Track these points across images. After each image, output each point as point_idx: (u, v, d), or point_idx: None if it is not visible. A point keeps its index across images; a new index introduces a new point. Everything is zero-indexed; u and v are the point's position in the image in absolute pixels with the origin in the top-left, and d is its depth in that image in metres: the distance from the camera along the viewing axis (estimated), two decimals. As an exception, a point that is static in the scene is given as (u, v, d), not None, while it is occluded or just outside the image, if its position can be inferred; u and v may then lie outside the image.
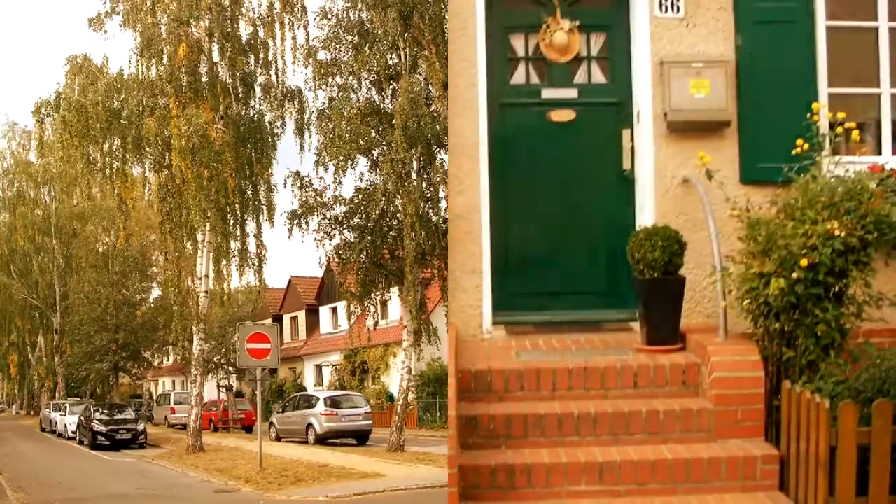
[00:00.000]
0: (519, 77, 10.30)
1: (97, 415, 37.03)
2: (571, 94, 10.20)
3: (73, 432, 39.82)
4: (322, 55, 26.65)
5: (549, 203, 10.16)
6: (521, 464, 7.90)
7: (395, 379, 36.05)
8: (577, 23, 10.13)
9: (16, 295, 48.86)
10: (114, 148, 27.00)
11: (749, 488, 7.89)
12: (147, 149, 26.27)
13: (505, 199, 10.09)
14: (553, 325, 10.05)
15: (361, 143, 26.24)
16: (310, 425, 33.90)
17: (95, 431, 35.74)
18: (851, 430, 7.26)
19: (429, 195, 26.40)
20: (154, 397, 63.58)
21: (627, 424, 8.27)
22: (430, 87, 25.27)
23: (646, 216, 9.88)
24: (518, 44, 10.31)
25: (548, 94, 10.21)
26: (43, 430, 47.43)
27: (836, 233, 8.09)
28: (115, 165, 27.32)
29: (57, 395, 51.65)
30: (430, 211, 26.46)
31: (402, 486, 19.31)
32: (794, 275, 8.11)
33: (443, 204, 26.35)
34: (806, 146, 8.69)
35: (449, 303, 10.01)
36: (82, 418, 38.41)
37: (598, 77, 10.30)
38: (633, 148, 10.14)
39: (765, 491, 7.87)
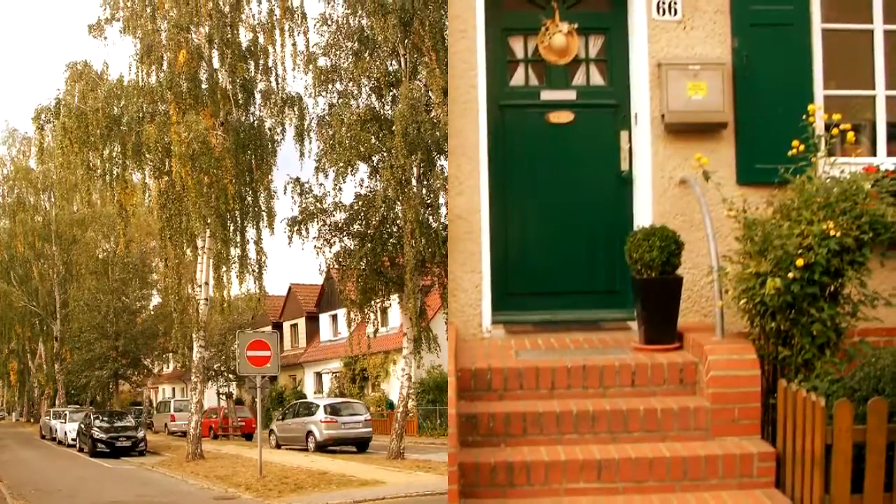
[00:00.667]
0: (518, 79, 10.40)
1: (97, 422, 36.94)
2: (570, 95, 10.30)
3: (73, 440, 39.70)
4: (322, 61, 26.74)
5: (548, 203, 10.25)
6: (520, 461, 7.96)
7: (395, 386, 36.02)
8: (576, 25, 10.22)
9: (16, 302, 48.58)
10: (114, 154, 26.92)
11: (746, 486, 7.95)
12: (147, 155, 26.20)
13: (504, 200, 10.19)
14: (552, 324, 10.13)
15: (361, 149, 26.24)
16: (310, 433, 33.83)
17: (95, 439, 35.66)
18: (847, 428, 7.31)
19: (429, 202, 26.40)
20: (154, 405, 63.32)
21: (625, 423, 8.33)
22: (430, 94, 25.29)
23: (644, 217, 9.97)
24: (517, 46, 10.41)
25: (547, 95, 10.32)
26: (43, 437, 47.27)
27: (832, 233, 8.16)
28: (115, 172, 27.24)
29: (57, 402, 51.37)
30: (430, 217, 26.44)
31: (402, 493, 19.33)
32: (790, 274, 8.18)
33: (443, 210, 26.36)
34: (802, 147, 8.73)
35: (449, 302, 10.08)
36: (82, 425, 38.31)
37: (597, 79, 10.40)
38: (630, 149, 10.24)
39: (761, 488, 7.93)
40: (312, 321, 57.74)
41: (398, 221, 26.71)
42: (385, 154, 26.17)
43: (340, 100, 26.69)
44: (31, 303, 50.31)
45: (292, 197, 27.46)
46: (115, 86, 27.00)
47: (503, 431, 8.32)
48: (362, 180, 27.84)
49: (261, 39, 28.11)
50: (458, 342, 9.37)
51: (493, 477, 7.93)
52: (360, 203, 27.45)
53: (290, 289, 60.39)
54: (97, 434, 35.92)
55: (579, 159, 10.25)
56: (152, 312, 51.99)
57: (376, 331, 30.58)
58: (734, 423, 8.30)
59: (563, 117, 10.28)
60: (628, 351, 9.17)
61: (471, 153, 9.98)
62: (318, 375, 55.96)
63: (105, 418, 38.04)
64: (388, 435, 31.29)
